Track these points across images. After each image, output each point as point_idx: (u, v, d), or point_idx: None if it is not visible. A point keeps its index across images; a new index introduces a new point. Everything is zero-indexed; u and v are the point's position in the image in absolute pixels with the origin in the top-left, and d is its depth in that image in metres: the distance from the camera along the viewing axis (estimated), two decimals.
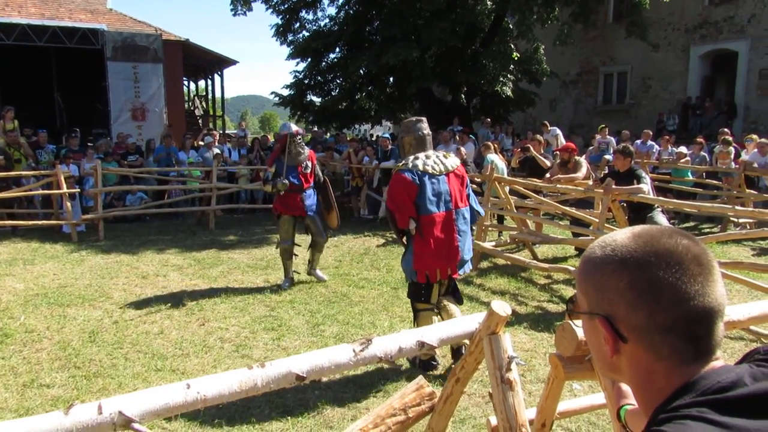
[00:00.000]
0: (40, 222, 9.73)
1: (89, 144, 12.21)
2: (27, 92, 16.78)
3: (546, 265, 6.65)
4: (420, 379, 2.33)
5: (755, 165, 9.78)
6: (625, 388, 1.61)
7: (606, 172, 8.11)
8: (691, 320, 0.82)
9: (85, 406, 1.35)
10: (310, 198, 6.63)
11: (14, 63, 16.56)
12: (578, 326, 1.81)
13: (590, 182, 7.29)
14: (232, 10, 17.08)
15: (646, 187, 6.01)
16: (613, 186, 6.03)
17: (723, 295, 0.85)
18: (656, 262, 0.83)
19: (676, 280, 0.82)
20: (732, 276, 5.26)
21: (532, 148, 8.98)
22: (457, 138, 12.69)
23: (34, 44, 14.59)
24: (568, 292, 6.39)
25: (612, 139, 12.90)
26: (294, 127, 6.66)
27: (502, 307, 1.92)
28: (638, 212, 6.25)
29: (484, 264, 7.59)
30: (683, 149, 11.24)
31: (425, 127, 4.36)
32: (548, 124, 13.98)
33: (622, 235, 0.90)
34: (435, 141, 13.51)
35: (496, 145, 10.52)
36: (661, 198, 6.22)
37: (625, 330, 0.86)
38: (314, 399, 3.80)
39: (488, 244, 7.61)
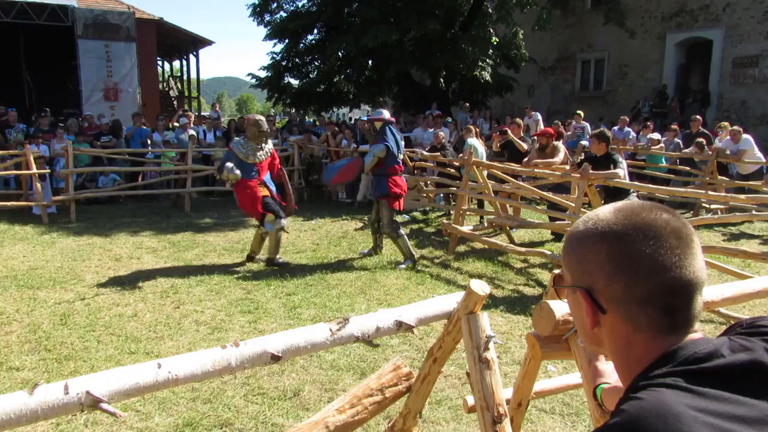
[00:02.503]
0: (9, 203, 9.46)
1: (60, 124, 11.86)
2: None
3: (523, 249, 6.69)
4: (397, 360, 2.32)
5: (727, 152, 9.96)
6: (602, 367, 1.62)
7: (583, 157, 8.17)
8: (667, 292, 0.83)
9: (50, 386, 1.30)
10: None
11: None
12: (555, 306, 1.81)
13: (567, 167, 7.33)
14: None
15: (622, 171, 6.07)
16: (590, 171, 6.08)
17: (702, 268, 0.86)
18: (635, 234, 0.85)
19: (653, 251, 0.83)
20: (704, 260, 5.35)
21: (510, 132, 8.98)
22: (432, 121, 12.67)
23: (0, 20, 14.09)
24: (545, 275, 6.45)
25: (587, 124, 13.01)
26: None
27: (481, 287, 1.92)
28: (614, 197, 6.32)
29: (462, 248, 7.62)
30: (657, 135, 11.40)
31: (264, 125, 6.47)
32: (530, 109, 14.08)
33: (604, 210, 0.92)
34: (413, 125, 13.54)
35: (477, 130, 10.52)
36: (636, 183, 6.31)
37: (604, 301, 0.87)
38: (291, 381, 3.78)
39: (466, 228, 7.64)
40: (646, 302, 0.84)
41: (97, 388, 1.29)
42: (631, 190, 6.35)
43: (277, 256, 6.65)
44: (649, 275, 0.83)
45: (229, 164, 6.08)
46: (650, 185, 7.80)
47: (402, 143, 6.93)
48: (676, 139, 11.42)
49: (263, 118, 6.65)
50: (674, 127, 11.93)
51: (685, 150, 10.78)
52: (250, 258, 6.85)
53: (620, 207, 0.90)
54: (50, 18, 14.30)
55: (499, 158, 9.09)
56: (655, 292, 0.83)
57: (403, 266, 6.67)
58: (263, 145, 6.48)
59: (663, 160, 11.12)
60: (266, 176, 6.54)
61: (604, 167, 6.17)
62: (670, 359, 0.81)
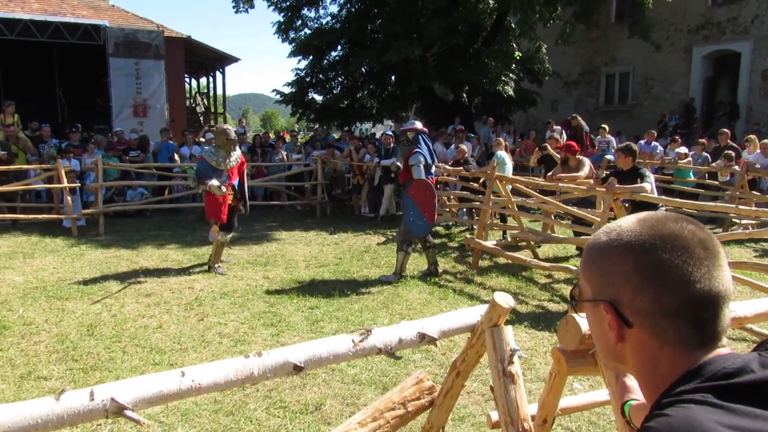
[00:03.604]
0: (40, 216, 9.71)
1: (90, 139, 12.18)
2: (29, 87, 16.75)
3: (547, 264, 6.61)
4: (420, 373, 2.30)
5: (757, 165, 9.74)
6: (630, 383, 1.58)
7: (609, 171, 8.07)
8: (696, 304, 0.81)
9: (76, 392, 1.31)
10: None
11: (16, 58, 16.53)
12: (582, 319, 1.78)
13: (592, 181, 7.24)
14: (234, 7, 17.06)
15: (648, 185, 5.97)
16: (616, 185, 5.99)
17: (729, 280, 0.84)
18: (662, 245, 0.83)
19: (682, 262, 0.81)
20: (735, 276, 5.21)
21: (549, 147, 9.09)
22: (456, 136, 12.67)
23: (36, 40, 14.57)
24: (569, 291, 6.35)
25: (612, 138, 12.86)
26: None
27: (505, 299, 1.89)
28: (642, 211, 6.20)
29: (485, 262, 7.56)
30: (684, 149, 11.22)
31: (232, 134, 6.90)
32: (553, 123, 14.01)
33: (627, 221, 0.90)
34: (434, 140, 13.54)
35: (506, 144, 10.57)
36: (663, 197, 6.19)
37: (630, 314, 0.85)
38: (313, 395, 3.77)
39: (489, 243, 7.58)
40: (674, 315, 0.81)
41: (122, 395, 1.30)
42: (661, 205, 6.21)
43: (217, 265, 7.09)
44: (679, 287, 0.80)
45: (215, 182, 6.65)
46: (678, 200, 7.65)
47: (433, 155, 6.85)
48: (705, 153, 11.22)
49: (231, 128, 7.23)
50: (702, 140, 11.72)
51: (714, 164, 10.57)
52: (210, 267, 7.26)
53: (644, 217, 0.88)
54: (83, 37, 14.73)
55: (537, 173, 9.16)
56: (684, 305, 0.81)
57: (387, 279, 6.68)
58: (232, 152, 6.93)
59: (691, 174, 10.92)
60: (235, 181, 7.03)
61: (631, 181, 6.07)
62: (698, 375, 0.79)
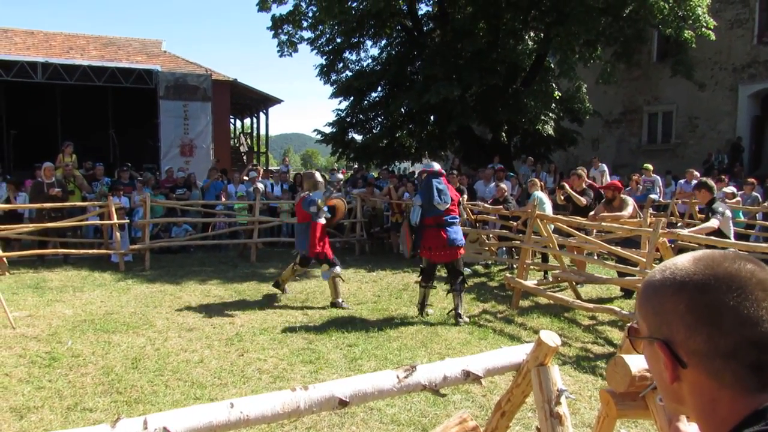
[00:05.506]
0: (90, 251, 10.07)
1: (139, 178, 12.70)
2: (84, 128, 17.64)
3: (591, 305, 6.44)
4: (463, 413, 2.26)
5: None
6: (684, 428, 1.52)
7: (652, 210, 7.86)
8: (755, 347, 0.79)
9: (130, 420, 1.35)
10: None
11: (75, 101, 17.50)
12: (631, 360, 1.73)
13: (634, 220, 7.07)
14: (278, 51, 17.73)
15: (715, 222, 5.74)
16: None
17: None
18: (716, 285, 0.81)
19: (737, 303, 0.79)
20: None
21: (567, 186, 8.69)
22: (495, 175, 12.64)
23: (93, 84, 15.42)
24: (614, 333, 6.16)
25: (658, 177, 12.61)
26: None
27: (551, 338, 1.86)
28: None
29: (526, 303, 7.42)
30: (732, 189, 10.89)
31: (318, 177, 7.65)
32: (597, 160, 13.83)
33: (682, 259, 0.89)
34: (474, 179, 13.54)
35: (542, 183, 10.43)
36: (713, 237, 5.98)
37: (685, 355, 0.83)
38: None
39: (530, 283, 7.45)
40: (730, 357, 0.79)
41: (174, 424, 1.33)
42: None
43: (339, 299, 7.24)
44: (734, 329, 0.79)
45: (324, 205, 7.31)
46: (728, 240, 7.39)
47: (445, 194, 6.59)
48: (754, 193, 10.87)
49: (317, 173, 8.04)
50: (752, 180, 11.38)
51: (765, 203, 10.22)
52: (277, 284, 7.81)
53: (700, 256, 0.87)
54: (136, 81, 15.54)
55: (563, 211, 8.89)
56: (741, 347, 0.79)
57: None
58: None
59: (740, 214, 10.57)
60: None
61: (705, 218, 5.85)
62: (761, 419, 0.77)
